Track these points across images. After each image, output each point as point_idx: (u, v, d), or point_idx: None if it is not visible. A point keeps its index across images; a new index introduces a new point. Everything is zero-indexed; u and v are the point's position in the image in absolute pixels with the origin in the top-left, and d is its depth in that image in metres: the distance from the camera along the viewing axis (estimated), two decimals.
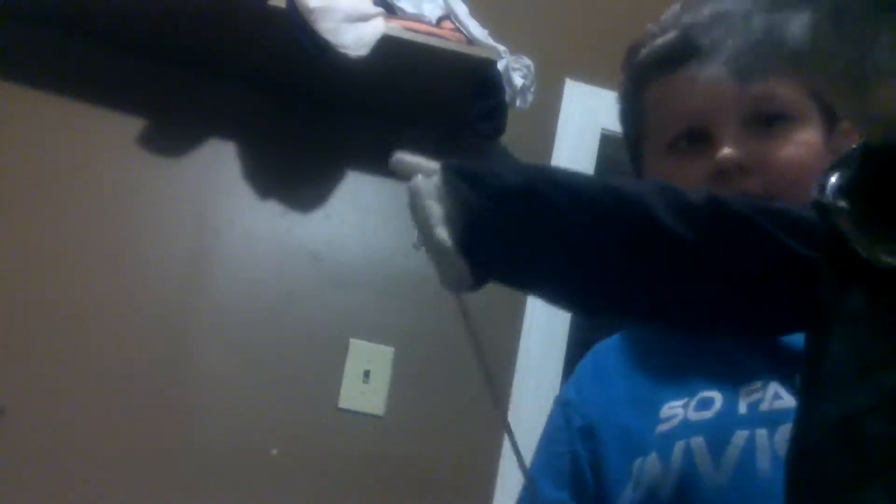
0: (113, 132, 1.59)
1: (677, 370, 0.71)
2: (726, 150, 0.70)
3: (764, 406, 0.64)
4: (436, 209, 0.60)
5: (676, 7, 0.74)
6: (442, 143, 1.66)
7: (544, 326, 1.61)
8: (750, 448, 0.62)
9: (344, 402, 1.56)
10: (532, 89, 1.47)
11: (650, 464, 0.65)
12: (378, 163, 1.65)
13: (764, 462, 0.61)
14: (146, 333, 1.54)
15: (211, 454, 1.51)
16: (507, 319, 1.62)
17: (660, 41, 0.75)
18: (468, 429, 1.57)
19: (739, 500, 0.61)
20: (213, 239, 1.59)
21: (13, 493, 1.44)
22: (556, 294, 0.64)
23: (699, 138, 0.73)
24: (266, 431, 1.53)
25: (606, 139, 1.71)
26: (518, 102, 1.46)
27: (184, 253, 1.58)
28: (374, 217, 1.64)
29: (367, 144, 1.66)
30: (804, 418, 0.47)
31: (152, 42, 1.56)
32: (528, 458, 0.80)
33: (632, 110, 0.81)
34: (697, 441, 0.64)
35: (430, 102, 1.56)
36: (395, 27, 1.37)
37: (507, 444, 1.57)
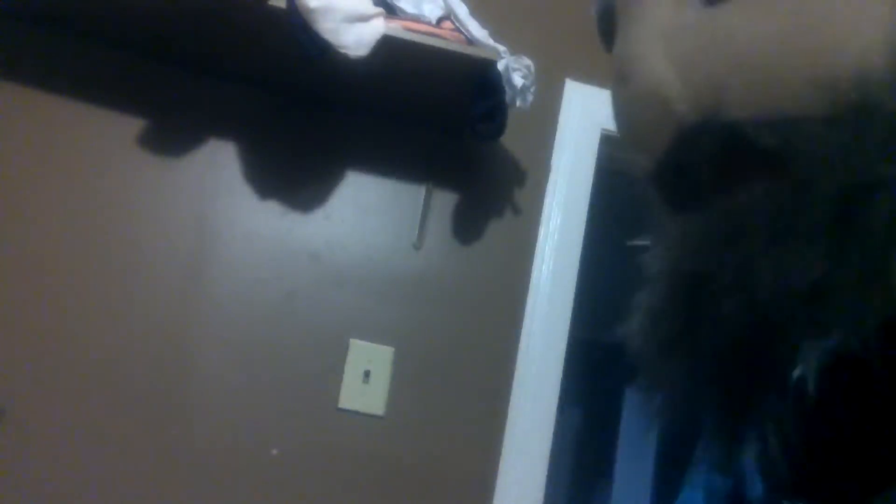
0: (113, 132, 1.59)
1: None
2: None
3: None
4: None
5: None
6: (442, 143, 1.66)
7: (544, 326, 1.62)
8: None
9: (344, 402, 1.56)
10: (532, 89, 1.47)
11: None
12: (378, 163, 1.65)
13: None
14: (146, 333, 1.54)
15: (211, 454, 1.51)
16: (507, 319, 1.62)
17: None
18: (468, 429, 1.58)
19: None
20: (214, 239, 1.59)
21: (13, 493, 1.45)
22: None
23: None
24: (266, 431, 1.53)
25: (606, 139, 1.71)
26: (518, 102, 1.46)
27: (184, 253, 1.58)
28: (374, 217, 1.64)
29: (367, 144, 1.66)
30: None
31: (152, 42, 1.56)
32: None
33: None
34: None
35: (430, 102, 1.56)
36: (395, 27, 1.37)
37: (506, 444, 1.57)
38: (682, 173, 0.40)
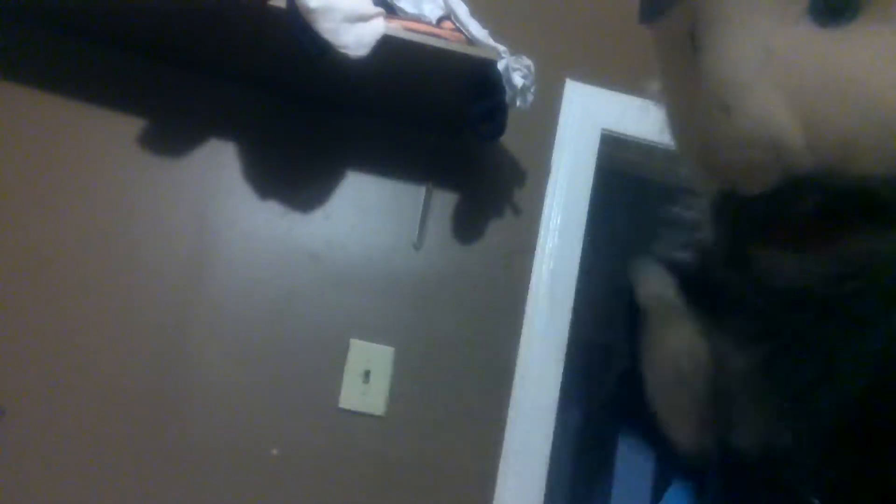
0: (113, 132, 1.59)
1: None
2: None
3: None
4: None
5: None
6: (442, 143, 1.66)
7: (544, 327, 1.61)
8: None
9: (344, 402, 1.56)
10: (532, 89, 1.47)
11: None
12: (378, 163, 1.65)
13: None
14: (146, 333, 1.54)
15: (211, 454, 1.51)
16: (507, 319, 1.62)
17: None
18: (468, 429, 1.58)
19: None
20: (214, 239, 1.59)
21: (13, 493, 1.45)
22: None
23: None
24: (266, 431, 1.53)
25: (606, 139, 1.71)
26: (518, 102, 1.45)
27: (184, 253, 1.58)
28: (374, 217, 1.64)
29: (367, 144, 1.66)
30: None
31: (152, 42, 1.56)
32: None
33: None
34: None
35: (430, 102, 1.55)
36: (395, 27, 1.37)
37: (506, 444, 1.57)
38: (774, 214, 0.37)
